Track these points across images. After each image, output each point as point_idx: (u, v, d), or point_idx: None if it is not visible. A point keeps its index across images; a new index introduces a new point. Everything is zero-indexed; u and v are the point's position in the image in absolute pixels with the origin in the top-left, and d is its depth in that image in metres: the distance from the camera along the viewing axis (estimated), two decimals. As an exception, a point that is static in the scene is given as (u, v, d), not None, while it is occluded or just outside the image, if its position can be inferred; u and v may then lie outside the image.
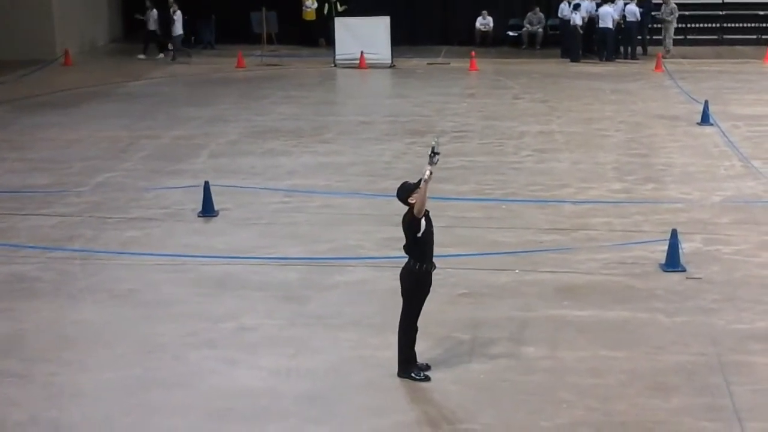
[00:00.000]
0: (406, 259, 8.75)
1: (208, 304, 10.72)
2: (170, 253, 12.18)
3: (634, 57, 28.01)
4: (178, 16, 27.74)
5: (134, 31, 32.45)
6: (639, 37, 28.42)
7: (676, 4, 28.31)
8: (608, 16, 27.30)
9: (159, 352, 9.58)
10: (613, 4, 27.67)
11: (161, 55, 29.10)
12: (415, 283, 8.68)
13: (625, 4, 27.92)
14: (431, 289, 8.85)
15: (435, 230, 8.83)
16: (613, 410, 8.39)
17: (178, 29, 27.89)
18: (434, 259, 8.80)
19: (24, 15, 26.44)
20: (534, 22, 30.21)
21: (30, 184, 15.39)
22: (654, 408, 8.43)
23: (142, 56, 28.42)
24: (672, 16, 28.14)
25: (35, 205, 14.32)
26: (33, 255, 12.21)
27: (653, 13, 28.69)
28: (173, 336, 9.90)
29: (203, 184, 13.87)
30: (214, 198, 13.84)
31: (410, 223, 8.59)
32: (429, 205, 8.78)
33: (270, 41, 28.96)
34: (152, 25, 28.37)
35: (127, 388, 8.83)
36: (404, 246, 8.74)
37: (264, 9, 28.39)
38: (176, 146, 17.94)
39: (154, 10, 28.18)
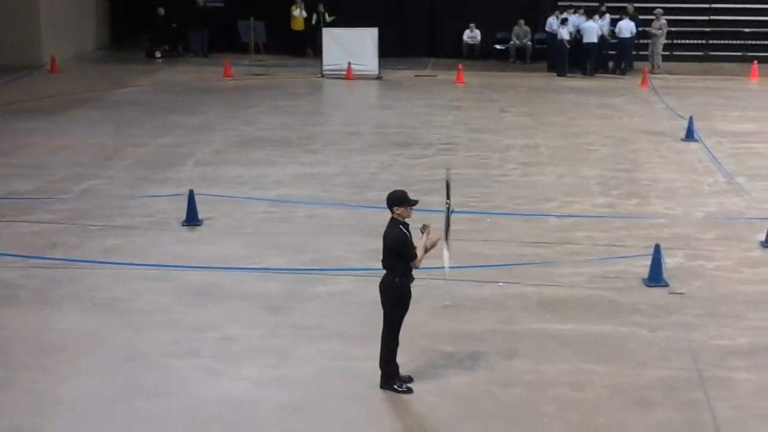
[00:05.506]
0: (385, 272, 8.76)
1: (191, 313, 10.70)
2: (154, 263, 12.16)
3: (624, 72, 28.11)
4: None
5: (122, 39, 32.50)
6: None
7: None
8: (593, 31, 27.44)
9: (141, 360, 9.55)
10: (598, 19, 27.82)
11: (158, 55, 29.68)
12: (396, 297, 8.68)
13: (617, 20, 28.00)
14: (416, 300, 8.87)
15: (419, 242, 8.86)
16: (594, 424, 8.42)
17: None
18: (419, 271, 8.82)
19: (10, 21, 26.33)
20: (520, 35, 30.32)
21: (14, 191, 15.34)
22: (635, 423, 8.46)
23: None
24: (661, 31, 28.26)
25: (18, 211, 14.26)
26: (16, 262, 12.16)
27: (640, 29, 28.83)
28: (156, 345, 9.88)
29: (188, 192, 13.86)
30: (199, 207, 13.83)
31: (401, 245, 8.59)
32: (413, 218, 8.82)
33: (258, 51, 28.97)
34: None
35: (110, 397, 8.80)
36: (383, 261, 8.74)
37: (252, 18, 28.41)
38: (162, 154, 17.93)
39: None
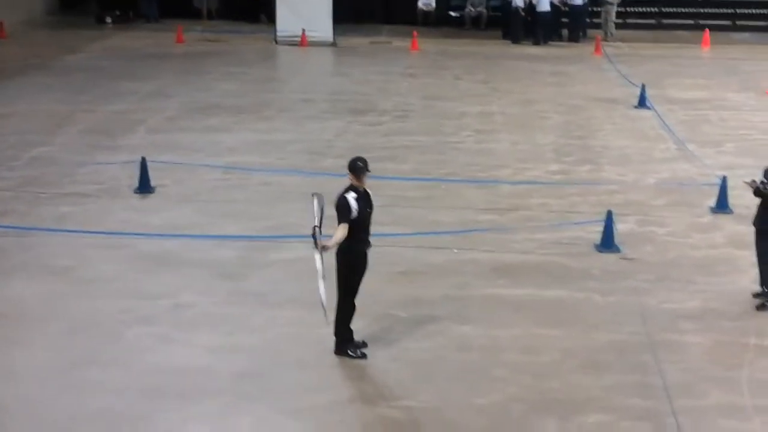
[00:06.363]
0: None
1: (144, 281, 10.64)
2: (106, 231, 12.05)
3: (578, 40, 28.13)
4: None
5: (71, 4, 31.98)
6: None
7: (616, -13, 28.57)
8: (545, 0, 27.47)
9: (95, 329, 9.49)
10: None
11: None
12: (350, 263, 8.70)
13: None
14: (370, 267, 8.88)
15: (374, 209, 8.86)
16: (547, 387, 8.52)
17: None
18: (373, 238, 8.83)
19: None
20: (475, 3, 30.27)
21: (-38, 158, 15.11)
22: (587, 385, 8.57)
23: None
24: (614, -1, 28.35)
25: (-33, 179, 14.07)
26: (-35, 230, 12.01)
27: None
28: (109, 313, 9.81)
29: (140, 159, 13.73)
30: (151, 174, 13.71)
31: (338, 207, 8.63)
32: (369, 185, 8.82)
33: (210, 17, 28.68)
34: None
35: (63, 366, 8.74)
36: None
37: (205, -16, 28.13)
38: (113, 121, 17.71)
39: None
